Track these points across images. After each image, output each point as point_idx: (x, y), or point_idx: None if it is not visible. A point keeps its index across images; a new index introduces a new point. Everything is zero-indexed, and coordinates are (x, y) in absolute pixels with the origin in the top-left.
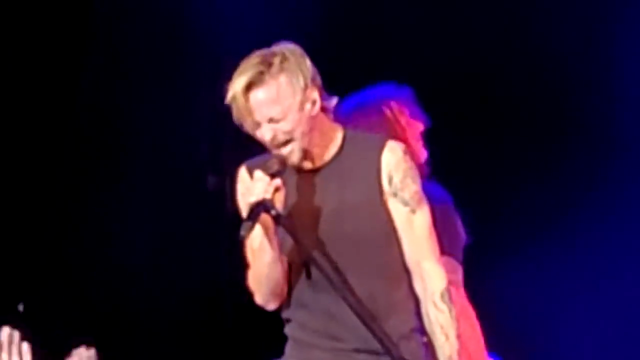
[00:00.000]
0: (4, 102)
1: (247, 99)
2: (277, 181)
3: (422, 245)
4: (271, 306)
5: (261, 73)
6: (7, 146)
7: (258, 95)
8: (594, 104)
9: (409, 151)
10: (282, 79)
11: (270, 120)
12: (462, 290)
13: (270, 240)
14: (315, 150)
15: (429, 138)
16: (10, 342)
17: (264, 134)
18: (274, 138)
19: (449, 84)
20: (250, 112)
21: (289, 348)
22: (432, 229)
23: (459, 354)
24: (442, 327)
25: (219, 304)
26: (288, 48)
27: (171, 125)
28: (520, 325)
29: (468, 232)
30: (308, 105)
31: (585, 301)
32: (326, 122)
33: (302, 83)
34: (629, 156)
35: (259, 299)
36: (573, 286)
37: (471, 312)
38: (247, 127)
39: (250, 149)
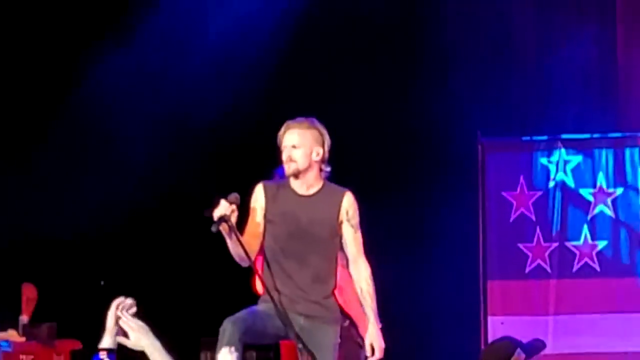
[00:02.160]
0: None
1: (285, 133)
2: (233, 207)
3: (358, 249)
4: (243, 265)
5: (299, 122)
6: None
7: (292, 132)
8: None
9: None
10: (309, 131)
11: (293, 146)
12: (347, 270)
13: (229, 236)
14: (309, 182)
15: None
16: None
17: (286, 153)
18: (289, 156)
19: None
20: (284, 139)
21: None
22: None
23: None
24: (369, 294)
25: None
26: (320, 124)
27: None
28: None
29: None
30: (314, 154)
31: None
32: (319, 172)
33: (318, 141)
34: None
35: (236, 260)
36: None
37: (353, 283)
38: (281, 145)
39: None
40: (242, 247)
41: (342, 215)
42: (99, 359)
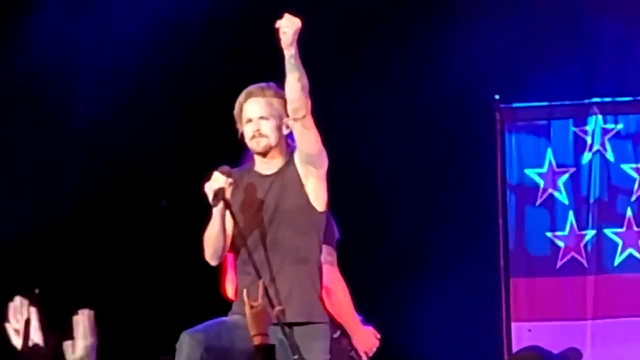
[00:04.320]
0: None
1: (247, 102)
2: (230, 180)
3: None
4: (213, 263)
5: (263, 89)
6: None
7: (257, 100)
8: None
9: None
10: (275, 100)
11: (260, 118)
12: (337, 268)
13: (220, 216)
14: (273, 161)
15: None
16: (20, 307)
17: (253, 126)
18: (257, 130)
19: None
20: (247, 109)
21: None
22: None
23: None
24: None
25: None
26: (282, 91)
27: None
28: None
29: (340, 232)
30: (284, 127)
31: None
32: (286, 147)
33: (285, 112)
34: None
35: (206, 256)
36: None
37: (344, 283)
38: (240, 118)
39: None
40: (237, 226)
41: (301, 171)
42: None
